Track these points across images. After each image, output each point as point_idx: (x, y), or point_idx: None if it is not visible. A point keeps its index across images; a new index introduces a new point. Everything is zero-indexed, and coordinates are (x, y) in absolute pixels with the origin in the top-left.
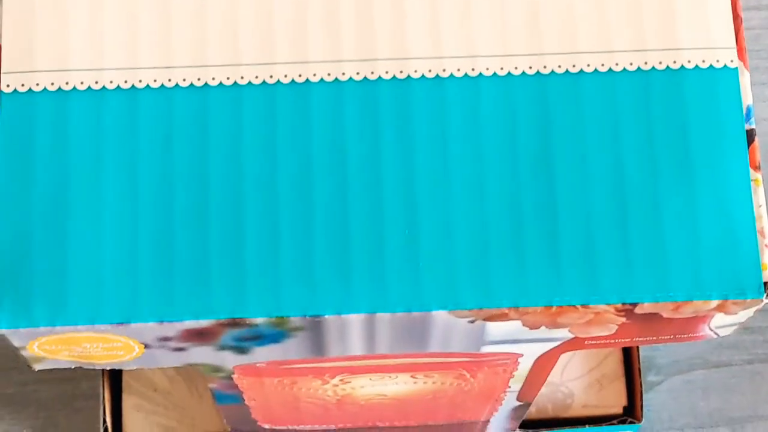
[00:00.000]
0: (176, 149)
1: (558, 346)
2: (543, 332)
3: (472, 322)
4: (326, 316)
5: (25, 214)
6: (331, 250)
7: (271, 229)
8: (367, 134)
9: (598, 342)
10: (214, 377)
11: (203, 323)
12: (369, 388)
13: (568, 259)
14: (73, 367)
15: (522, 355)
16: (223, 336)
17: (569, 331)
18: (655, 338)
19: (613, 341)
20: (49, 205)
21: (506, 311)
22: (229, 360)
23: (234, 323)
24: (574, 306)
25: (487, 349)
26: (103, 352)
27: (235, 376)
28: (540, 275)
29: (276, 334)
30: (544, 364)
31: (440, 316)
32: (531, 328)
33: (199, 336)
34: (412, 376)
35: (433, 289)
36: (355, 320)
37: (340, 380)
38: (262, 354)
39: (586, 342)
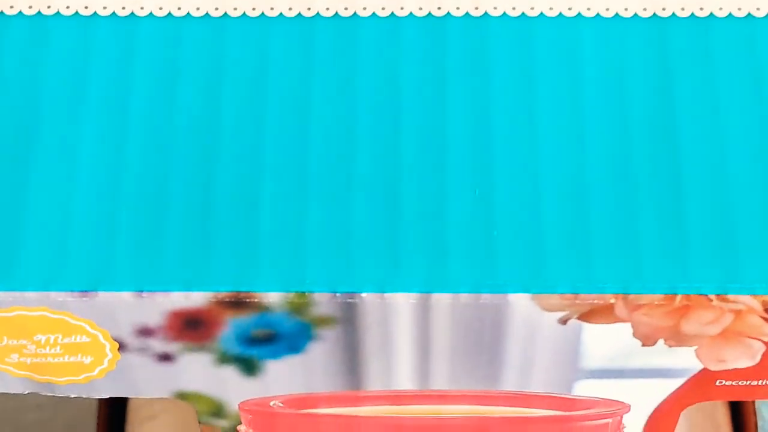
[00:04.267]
0: (181, 89)
1: (678, 389)
2: (660, 354)
3: (565, 321)
4: (364, 295)
5: None
6: (374, 210)
7: (295, 182)
8: (430, 78)
9: (733, 384)
10: (213, 429)
11: (197, 300)
12: None
13: (697, 234)
14: (26, 392)
15: (628, 409)
16: (224, 329)
17: (696, 354)
18: None
19: (755, 384)
20: (11, 142)
21: (612, 301)
22: (234, 387)
23: (239, 301)
24: (706, 297)
25: (582, 386)
26: (64, 356)
27: (243, 429)
28: (659, 254)
29: (296, 330)
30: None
31: (521, 304)
32: (645, 343)
33: (193, 327)
34: None
35: (510, 265)
36: (403, 304)
37: None
38: (277, 373)
39: (717, 382)
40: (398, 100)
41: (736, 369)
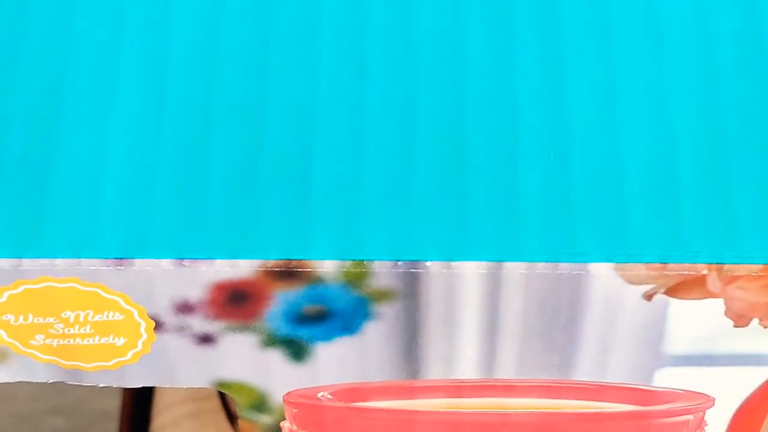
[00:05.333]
0: (225, 42)
1: (766, 382)
2: (753, 336)
3: (650, 297)
4: (428, 264)
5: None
6: (440, 169)
7: (351, 137)
8: (497, 32)
9: None
10: (254, 426)
11: (243, 269)
12: None
13: None
14: (50, 381)
15: (712, 403)
16: (271, 305)
17: None
18: None
19: None
20: (40, 94)
21: (704, 272)
22: (279, 375)
23: (289, 271)
24: None
25: (663, 375)
26: (95, 336)
27: (286, 426)
28: (759, 217)
29: (351, 306)
30: None
31: (602, 275)
32: (737, 323)
33: (237, 302)
34: None
35: (590, 232)
36: (472, 274)
37: None
38: (328, 359)
39: None
40: (464, 52)
41: None
